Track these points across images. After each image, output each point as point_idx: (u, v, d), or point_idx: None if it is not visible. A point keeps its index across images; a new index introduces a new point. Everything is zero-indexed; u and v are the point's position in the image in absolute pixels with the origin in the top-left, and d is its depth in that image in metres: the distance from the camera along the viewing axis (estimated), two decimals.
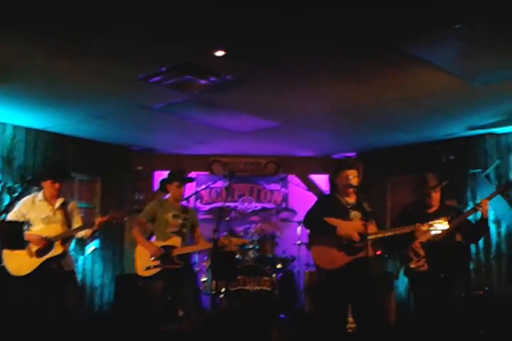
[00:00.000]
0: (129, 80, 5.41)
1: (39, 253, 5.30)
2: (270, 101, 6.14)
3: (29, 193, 5.68)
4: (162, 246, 5.55)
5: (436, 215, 4.92)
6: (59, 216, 5.48)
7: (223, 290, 7.16)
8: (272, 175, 9.01)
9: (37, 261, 5.29)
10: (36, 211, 5.46)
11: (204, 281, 7.55)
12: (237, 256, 7.41)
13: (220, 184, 8.91)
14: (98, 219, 5.38)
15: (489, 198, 5.15)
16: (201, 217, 8.13)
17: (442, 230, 4.80)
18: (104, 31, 4.35)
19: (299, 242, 7.94)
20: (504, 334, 5.88)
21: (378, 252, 5.28)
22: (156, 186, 6.89)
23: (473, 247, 6.95)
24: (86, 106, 6.31)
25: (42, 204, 5.49)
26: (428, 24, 4.17)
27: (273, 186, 9.13)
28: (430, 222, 4.80)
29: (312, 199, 7.31)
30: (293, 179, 9.08)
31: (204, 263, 7.60)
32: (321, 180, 8.78)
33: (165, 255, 5.51)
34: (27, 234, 5.28)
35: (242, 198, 9.06)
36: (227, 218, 8.14)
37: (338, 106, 6.29)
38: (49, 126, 7.15)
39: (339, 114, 6.54)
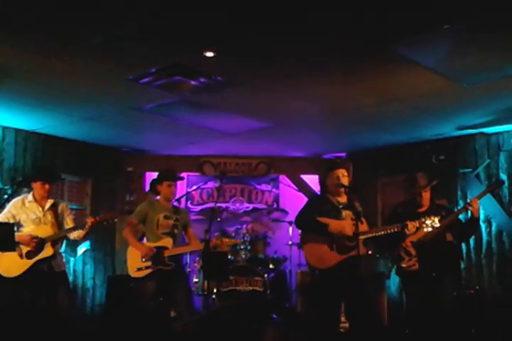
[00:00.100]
0: (120, 81, 5.40)
1: (29, 254, 5.30)
2: (261, 102, 6.14)
3: (19, 195, 5.67)
4: (154, 247, 5.55)
5: (427, 214, 4.94)
6: (49, 217, 5.48)
7: (215, 290, 7.16)
8: (263, 175, 9.01)
9: (27, 263, 5.28)
10: (26, 212, 5.46)
11: (196, 282, 7.55)
12: (228, 257, 7.41)
13: (211, 185, 8.92)
14: (89, 220, 5.38)
15: (479, 197, 5.18)
16: (192, 217, 8.11)
17: (433, 227, 4.82)
18: (94, 33, 4.34)
19: (290, 242, 7.96)
20: (495, 333, 5.90)
21: (370, 252, 5.29)
22: (147, 187, 6.87)
23: (464, 246, 6.99)
24: (76, 107, 6.29)
25: (32, 205, 5.48)
26: (420, 25, 4.18)
27: (264, 186, 9.13)
28: (422, 219, 4.82)
29: (303, 199, 7.34)
30: (284, 179, 9.09)
31: (196, 264, 7.59)
32: (312, 180, 8.79)
33: (156, 256, 5.50)
34: (17, 234, 5.27)
35: (234, 199, 9.07)
36: (219, 219, 8.14)
37: (328, 107, 6.30)
38: (39, 127, 7.13)
39: (330, 114, 6.55)
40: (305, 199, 5.62)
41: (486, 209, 6.89)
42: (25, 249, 5.29)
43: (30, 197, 5.53)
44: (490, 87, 5.50)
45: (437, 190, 5.40)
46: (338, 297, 4.79)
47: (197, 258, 7.55)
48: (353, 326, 4.89)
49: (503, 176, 6.95)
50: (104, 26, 4.24)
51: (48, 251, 5.32)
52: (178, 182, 6.16)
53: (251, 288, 7.23)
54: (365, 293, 4.73)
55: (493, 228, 7.01)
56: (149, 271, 5.50)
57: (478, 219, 5.22)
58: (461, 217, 5.32)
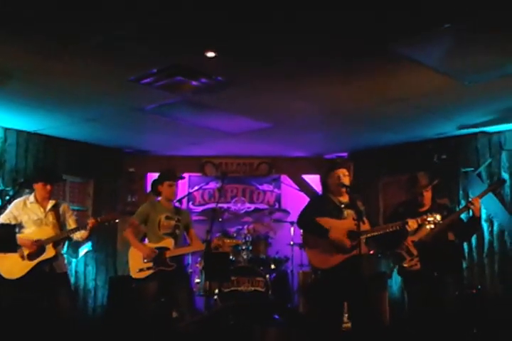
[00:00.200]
0: (121, 82, 5.40)
1: (31, 256, 5.29)
2: (262, 103, 6.14)
3: (21, 196, 5.67)
4: (155, 248, 5.55)
5: (429, 212, 4.93)
6: (50, 218, 5.48)
7: (217, 291, 7.16)
8: (264, 175, 9.01)
9: (29, 264, 5.28)
10: (28, 213, 5.45)
11: (198, 282, 7.55)
12: (230, 257, 7.41)
13: (213, 185, 8.91)
14: (91, 221, 5.38)
15: (481, 196, 5.17)
16: (194, 218, 8.11)
17: (435, 224, 4.81)
18: (94, 33, 4.34)
19: (292, 243, 7.95)
20: (497, 332, 5.89)
21: (371, 252, 5.29)
22: (149, 188, 6.87)
23: (465, 246, 6.98)
24: (77, 108, 6.30)
25: (33, 206, 5.48)
26: (420, 25, 4.18)
27: (266, 187, 9.13)
28: (424, 216, 4.81)
29: (305, 199, 7.33)
30: (286, 179, 9.09)
31: (197, 265, 7.59)
32: (314, 180, 8.78)
33: (158, 257, 5.50)
34: (19, 238, 5.26)
35: (235, 199, 9.06)
36: (220, 219, 8.13)
37: (328, 107, 6.30)
38: (40, 128, 7.13)
39: (331, 114, 6.55)
40: (307, 200, 5.62)
41: (487, 208, 6.88)
42: (26, 251, 5.29)
43: (31, 198, 5.52)
44: (491, 86, 5.49)
45: (439, 190, 5.39)
46: (341, 297, 4.79)
47: (199, 259, 7.56)
48: (355, 326, 4.88)
49: (505, 175, 6.94)
50: (104, 26, 4.24)
51: (49, 253, 5.32)
52: (180, 183, 6.16)
53: (253, 289, 7.22)
54: (366, 293, 4.72)
55: (495, 227, 7.00)
56: (151, 271, 5.49)
57: (479, 218, 5.22)
58: (462, 216, 5.31)
